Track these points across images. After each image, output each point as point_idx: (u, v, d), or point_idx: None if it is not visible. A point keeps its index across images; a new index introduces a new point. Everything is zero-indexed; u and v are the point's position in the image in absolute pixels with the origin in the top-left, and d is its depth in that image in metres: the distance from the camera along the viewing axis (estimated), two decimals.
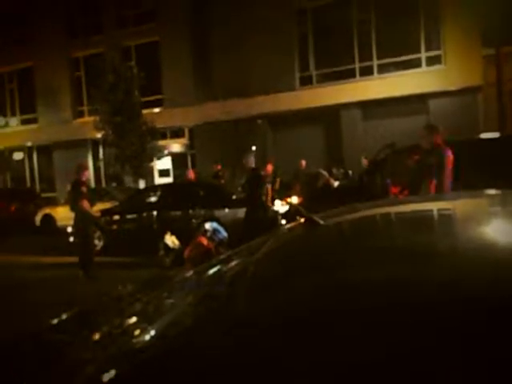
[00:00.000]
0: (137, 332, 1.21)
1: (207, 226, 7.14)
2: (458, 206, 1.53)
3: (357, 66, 14.29)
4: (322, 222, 1.29)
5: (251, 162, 6.94)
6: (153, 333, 1.12)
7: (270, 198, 6.81)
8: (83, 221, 6.37)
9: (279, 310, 0.91)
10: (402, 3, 13.45)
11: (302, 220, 1.68)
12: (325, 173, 9.74)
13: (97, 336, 1.32)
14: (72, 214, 6.53)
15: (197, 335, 0.97)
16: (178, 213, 8.23)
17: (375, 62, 14.07)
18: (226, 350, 0.87)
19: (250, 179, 6.96)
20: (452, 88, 12.66)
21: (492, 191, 1.66)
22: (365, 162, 10.56)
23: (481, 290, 0.80)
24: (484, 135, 7.14)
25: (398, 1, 13.47)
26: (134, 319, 1.31)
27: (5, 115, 19.73)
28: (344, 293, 0.89)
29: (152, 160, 15.07)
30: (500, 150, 5.91)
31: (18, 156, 20.28)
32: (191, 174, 12.80)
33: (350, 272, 0.98)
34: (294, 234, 1.46)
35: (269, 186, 7.18)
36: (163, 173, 17.22)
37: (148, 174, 15.56)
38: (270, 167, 11.22)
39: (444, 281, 0.84)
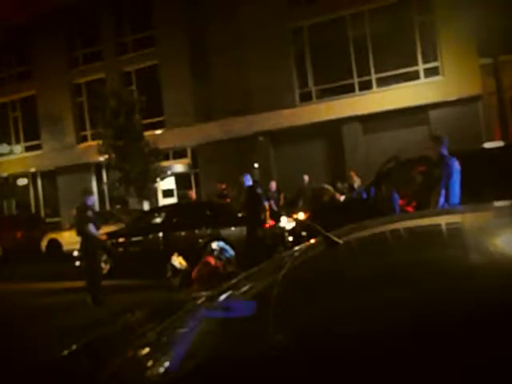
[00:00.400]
0: (150, 364, 1.16)
1: (214, 245, 7.12)
2: (474, 219, 1.50)
3: (355, 80, 14.44)
4: (340, 241, 1.26)
5: (248, 179, 6.97)
6: (171, 364, 1.08)
7: (268, 215, 6.79)
8: (90, 245, 6.35)
9: (314, 335, 0.87)
10: (397, 17, 13.67)
11: (314, 238, 1.64)
12: (329, 187, 9.72)
13: (109, 368, 1.28)
14: (78, 239, 6.52)
15: (220, 365, 0.93)
16: (184, 233, 8.20)
17: (373, 76, 14.21)
18: (253, 379, 0.83)
19: (247, 197, 6.99)
20: (451, 98, 12.73)
21: (502, 203, 1.63)
22: (353, 176, 10.64)
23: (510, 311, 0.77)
24: (488, 144, 7.12)
25: (392, 15, 13.69)
26: (147, 350, 1.27)
27: (9, 143, 19.97)
28: (370, 315, 0.86)
29: (156, 181, 15.13)
30: (505, 159, 5.87)
31: (22, 182, 20.43)
32: (192, 194, 12.84)
33: (375, 293, 0.95)
34: (314, 254, 1.43)
35: (266, 203, 7.17)
36: (167, 193, 17.26)
37: (152, 195, 15.61)
38: (273, 184, 11.24)
39: (480, 299, 0.81)
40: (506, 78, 11.69)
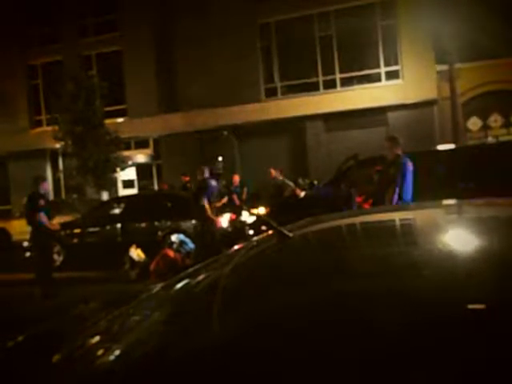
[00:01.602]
0: (100, 353, 1.14)
1: (173, 237, 7.04)
2: (423, 216, 1.58)
3: (320, 79, 14.69)
4: (290, 235, 1.29)
5: (202, 172, 6.95)
6: (119, 353, 1.07)
7: (209, 211, 6.76)
8: (41, 235, 6.05)
9: (252, 324, 0.89)
10: (362, 20, 14.03)
11: (270, 232, 1.68)
12: (290, 183, 9.86)
13: (57, 359, 1.25)
14: (29, 228, 6.20)
15: (167, 354, 0.93)
16: (144, 225, 8.03)
17: (338, 76, 14.52)
18: (199, 369, 0.84)
19: (196, 191, 7.01)
20: (409, 101, 13.28)
21: (450, 201, 1.73)
22: (273, 172, 10.58)
23: (450, 303, 0.81)
24: (440, 146, 7.52)
25: (357, 17, 14.03)
26: (97, 339, 1.25)
27: None
28: (310, 306, 0.88)
29: (115, 171, 14.65)
30: (455, 160, 6.23)
31: None
32: (165, 186, 12.48)
33: (316, 284, 0.98)
34: (263, 247, 1.45)
35: (205, 200, 7.08)
36: (127, 184, 16.78)
37: (111, 185, 15.11)
38: (237, 178, 11.23)
39: (419, 294, 0.85)
40: (460, 84, 12.37)
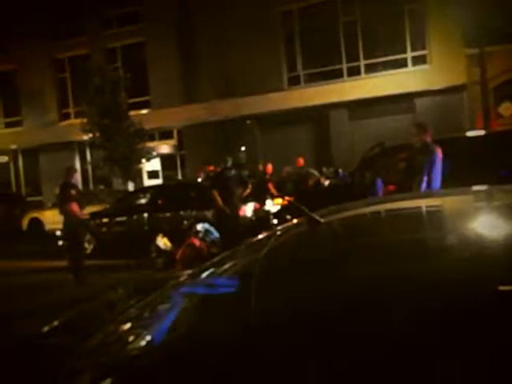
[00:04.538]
0: (132, 338, 1.18)
1: (199, 227, 7.13)
2: (451, 202, 1.55)
3: (344, 66, 14.38)
4: (322, 220, 1.29)
5: (224, 163, 6.93)
6: (151, 339, 1.10)
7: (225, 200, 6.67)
8: (73, 224, 6.26)
9: (290, 309, 0.89)
10: (387, 4, 13.56)
11: (296, 219, 1.67)
12: (315, 172, 9.77)
13: (90, 343, 1.29)
14: (61, 218, 6.43)
15: (200, 340, 0.94)
16: (170, 214, 8.17)
17: (362, 62, 14.17)
18: (233, 353, 0.85)
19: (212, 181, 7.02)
20: (437, 87, 12.83)
21: (480, 187, 1.68)
22: (301, 161, 10.76)
23: (480, 285, 0.80)
24: (470, 133, 7.24)
25: (383, 2, 13.58)
26: (129, 325, 1.29)
27: None
28: (348, 290, 0.88)
29: (141, 162, 14.95)
30: (486, 147, 6.00)
31: (2, 159, 19.88)
32: (200, 173, 12.53)
33: (353, 269, 0.98)
34: (296, 232, 1.46)
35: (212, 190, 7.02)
36: (152, 174, 17.09)
37: (137, 176, 15.43)
38: (270, 167, 11.22)
39: (448, 277, 0.84)
40: (490, 68, 11.83)
